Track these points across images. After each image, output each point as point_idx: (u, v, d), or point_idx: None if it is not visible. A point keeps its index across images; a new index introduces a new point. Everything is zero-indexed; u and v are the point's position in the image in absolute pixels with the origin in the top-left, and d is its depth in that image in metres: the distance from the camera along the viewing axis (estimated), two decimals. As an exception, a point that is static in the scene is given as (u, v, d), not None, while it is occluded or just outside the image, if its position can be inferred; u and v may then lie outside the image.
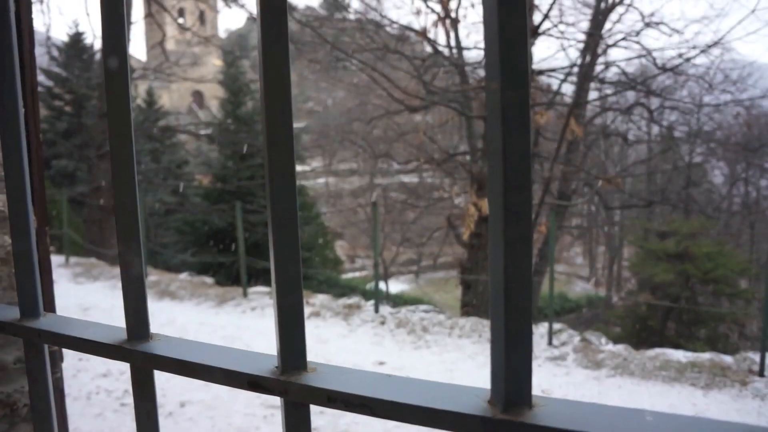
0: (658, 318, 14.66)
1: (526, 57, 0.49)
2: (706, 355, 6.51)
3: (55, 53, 22.81)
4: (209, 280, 10.80)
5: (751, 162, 22.35)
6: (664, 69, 13.48)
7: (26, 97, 1.58)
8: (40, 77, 23.25)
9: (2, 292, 1.51)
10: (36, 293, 1.01)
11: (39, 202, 1.64)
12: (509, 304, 0.54)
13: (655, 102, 16.00)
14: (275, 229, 0.64)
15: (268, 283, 15.20)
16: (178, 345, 0.81)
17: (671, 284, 14.36)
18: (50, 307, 1.53)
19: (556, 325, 7.42)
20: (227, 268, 15.48)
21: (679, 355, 6.56)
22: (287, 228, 0.65)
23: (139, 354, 0.81)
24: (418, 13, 16.79)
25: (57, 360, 1.69)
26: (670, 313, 14.31)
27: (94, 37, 16.18)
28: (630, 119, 17.31)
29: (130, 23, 15.17)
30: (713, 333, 14.18)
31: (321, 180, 37.57)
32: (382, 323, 7.76)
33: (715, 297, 14.91)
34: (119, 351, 0.83)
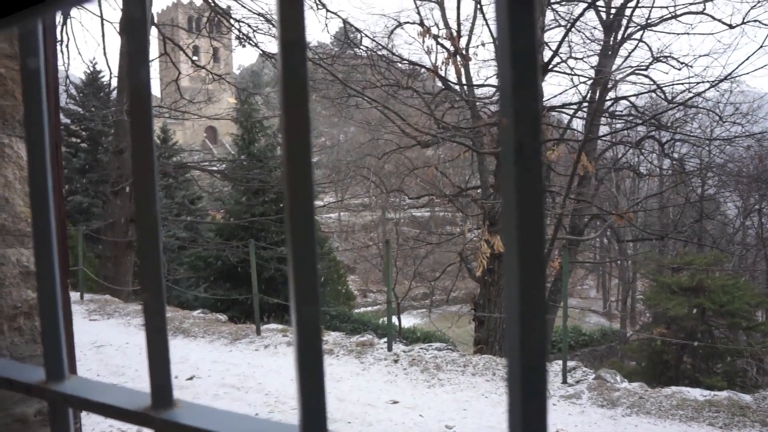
0: (674, 352, 14.49)
1: (537, 93, 0.52)
2: (723, 394, 6.42)
3: (73, 91, 23.24)
4: (223, 317, 10.82)
5: (764, 194, 22.27)
6: (674, 102, 13.55)
7: (50, 153, 1.63)
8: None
9: (25, 344, 1.54)
10: (61, 355, 1.04)
11: (61, 255, 1.68)
12: (524, 342, 0.55)
13: (665, 135, 16.04)
14: (295, 266, 0.66)
15: (281, 320, 15.21)
16: (201, 413, 0.83)
17: (686, 318, 14.23)
18: (72, 364, 1.56)
19: (571, 363, 7.36)
20: (240, 303, 15.51)
21: (696, 393, 6.47)
22: (307, 266, 0.66)
23: (163, 422, 0.83)
24: (429, 52, 16.99)
25: (77, 412, 1.71)
26: (685, 347, 14.14)
27: (111, 75, 16.46)
28: (641, 153, 17.34)
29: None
30: (731, 368, 13.98)
31: (333, 215, 37.73)
32: (396, 361, 7.72)
33: (731, 330, 14.74)
34: (143, 418, 0.85)
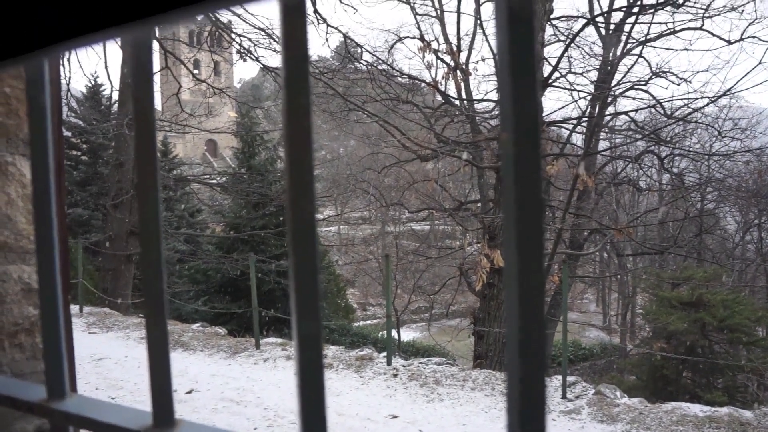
0: (674, 367, 14.44)
1: (537, 107, 0.53)
2: (724, 410, 6.40)
3: (74, 104, 23.33)
4: (222, 330, 10.80)
5: (764, 209, 22.29)
6: (673, 117, 13.59)
7: (54, 170, 1.64)
8: (58, 128, 23.70)
9: (26, 361, 1.55)
10: (63, 374, 1.05)
11: (63, 272, 1.69)
12: (524, 357, 0.56)
13: (665, 150, 16.08)
14: (296, 280, 0.66)
15: (280, 334, 15.18)
16: (202, 433, 0.84)
17: (686, 332, 14.19)
18: (73, 382, 1.56)
19: (570, 378, 7.34)
20: (239, 317, 15.48)
21: (697, 409, 6.45)
22: (308, 280, 0.67)
23: (164, 442, 0.84)
24: (429, 66, 17.08)
25: (78, 430, 1.71)
26: (685, 362, 14.10)
27: (112, 88, 16.53)
28: (640, 167, 17.38)
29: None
30: (731, 383, 13.94)
31: (333, 228, 37.70)
32: (395, 375, 7.71)
33: (731, 345, 14.71)
34: (145, 438, 0.86)
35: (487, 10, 14.51)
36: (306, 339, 0.70)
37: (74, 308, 12.37)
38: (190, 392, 6.95)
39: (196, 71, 20.41)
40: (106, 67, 23.79)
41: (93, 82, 24.14)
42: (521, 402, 0.58)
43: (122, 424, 0.92)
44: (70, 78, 15.21)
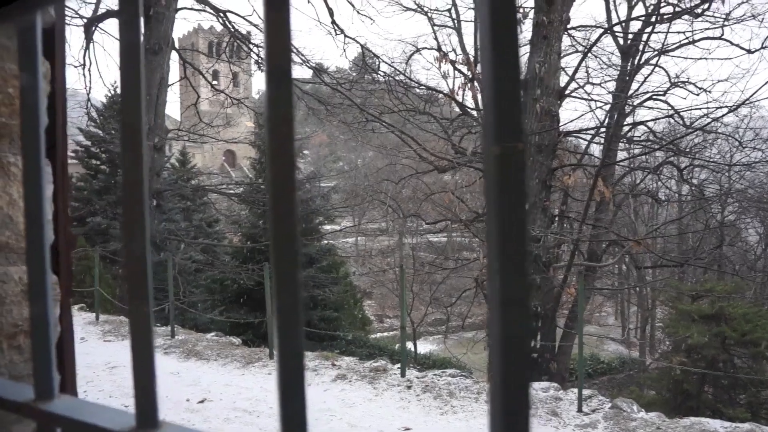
0: (695, 382, 14.20)
1: (520, 113, 0.50)
2: (745, 426, 6.26)
3: (94, 114, 23.58)
4: (236, 340, 10.79)
5: (787, 221, 21.97)
6: (692, 128, 13.44)
7: (56, 170, 1.62)
8: (79, 137, 24.02)
9: (24, 363, 1.53)
10: (50, 374, 1.02)
11: (65, 275, 1.67)
12: (507, 366, 0.53)
13: (684, 160, 15.91)
14: (279, 292, 0.64)
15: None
16: (185, 436, 0.80)
17: (707, 346, 13.95)
18: (72, 384, 1.54)
19: (587, 391, 7.22)
20: (255, 327, 15.48)
21: (717, 425, 6.31)
22: (290, 292, 0.64)
23: (146, 444, 0.81)
24: (446, 77, 17.07)
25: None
26: (706, 376, 13.86)
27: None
28: (659, 178, 17.20)
29: (167, 85, 15.65)
30: (754, 398, 13.68)
31: (350, 239, 37.71)
32: (409, 387, 7.64)
33: (754, 360, 14.44)
34: (126, 440, 0.83)
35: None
36: (287, 351, 0.67)
37: (90, 316, 12.44)
38: (202, 401, 6.93)
39: (215, 82, 20.57)
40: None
41: (113, 92, 24.37)
42: (504, 407, 0.54)
43: (106, 425, 0.89)
44: (90, 88, 15.37)
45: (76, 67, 15.59)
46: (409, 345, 18.72)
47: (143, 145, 0.83)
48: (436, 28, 15.16)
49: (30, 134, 1.02)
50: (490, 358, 0.54)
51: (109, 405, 0.82)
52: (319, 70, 16.83)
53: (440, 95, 15.49)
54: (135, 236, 0.82)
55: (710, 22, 12.62)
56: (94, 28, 15.22)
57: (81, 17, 15.14)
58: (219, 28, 18.55)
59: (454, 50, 17.56)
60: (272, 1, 0.63)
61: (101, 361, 8.51)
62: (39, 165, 1.03)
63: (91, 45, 15.28)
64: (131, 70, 0.81)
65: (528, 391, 0.53)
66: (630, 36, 14.41)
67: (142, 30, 0.77)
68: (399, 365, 8.34)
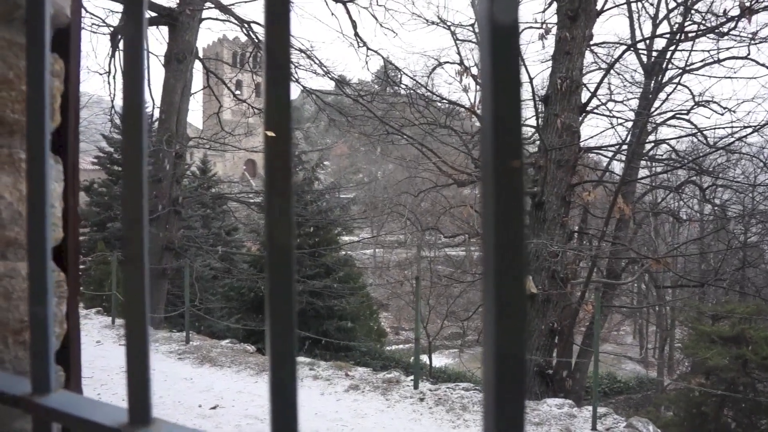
0: (713, 404, 13.98)
1: (519, 130, 0.49)
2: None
3: (117, 121, 23.88)
4: (250, 348, 10.81)
5: (811, 244, 21.58)
6: (715, 147, 13.28)
7: (66, 168, 1.63)
8: (102, 143, 24.32)
9: (29, 359, 1.53)
10: (48, 368, 1.02)
11: (73, 273, 1.68)
12: (501, 384, 0.51)
13: (707, 180, 15.72)
14: (272, 302, 0.63)
15: (310, 354, 15.15)
16: (176, 432, 0.80)
17: (726, 369, 13.74)
18: (77, 382, 1.54)
19: (602, 409, 7.13)
20: (270, 335, 15.49)
21: (734, 448, 6.20)
22: (284, 302, 0.64)
23: (137, 439, 0.81)
24: (466, 90, 17.06)
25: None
26: (726, 399, 13.64)
27: (153, 105, 16.87)
28: (681, 197, 17.02)
29: (190, 93, 15.83)
30: (775, 424, 13.45)
31: (368, 251, 37.70)
32: (421, 399, 7.59)
33: (776, 384, 14.19)
34: (118, 434, 0.83)
35: (526, 36, 14.47)
36: (280, 357, 0.67)
37: (107, 320, 12.53)
38: (214, 408, 6.94)
39: (238, 92, 20.76)
40: (149, 85, 24.32)
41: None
42: (497, 414, 0.53)
43: (99, 420, 0.89)
44: (114, 95, 15.59)
45: (101, 74, 15.80)
46: (424, 358, 18.65)
47: (143, 145, 0.83)
48: (458, 42, 15.15)
49: (34, 129, 1.03)
50: (483, 375, 0.52)
51: (89, 396, 0.82)
52: (341, 81, 16.91)
53: (461, 109, 15.47)
54: (135, 236, 0.82)
55: (736, 40, 12.46)
56: (119, 37, 15.44)
57: (108, 26, 15.38)
58: (243, 38, 18.72)
59: (476, 64, 17.57)
60: (273, 2, 0.63)
61: (116, 365, 8.55)
62: (43, 160, 1.04)
63: (116, 53, 15.50)
64: (135, 75, 0.82)
65: (523, 410, 0.52)
66: (654, 53, 14.30)
67: (146, 30, 0.77)
68: (412, 377, 8.30)
